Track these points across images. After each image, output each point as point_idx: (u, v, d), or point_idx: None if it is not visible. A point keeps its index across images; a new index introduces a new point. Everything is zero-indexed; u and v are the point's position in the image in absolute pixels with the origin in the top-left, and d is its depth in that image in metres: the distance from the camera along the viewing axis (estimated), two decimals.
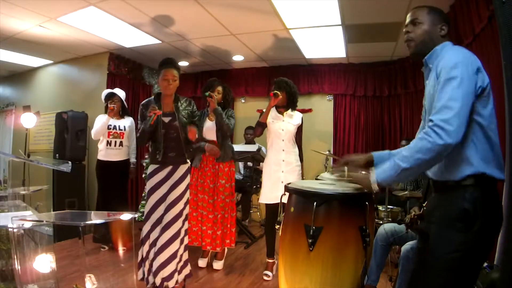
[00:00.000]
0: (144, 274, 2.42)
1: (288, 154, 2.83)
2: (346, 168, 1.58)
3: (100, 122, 3.43)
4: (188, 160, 2.54)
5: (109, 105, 3.45)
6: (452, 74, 1.14)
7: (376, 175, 1.29)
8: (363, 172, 1.48)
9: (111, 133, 3.50)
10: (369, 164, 1.51)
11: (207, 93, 2.91)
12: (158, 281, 2.30)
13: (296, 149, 2.90)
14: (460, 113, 1.10)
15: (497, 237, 1.90)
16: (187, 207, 2.54)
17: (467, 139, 1.17)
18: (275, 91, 2.78)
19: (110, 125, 3.50)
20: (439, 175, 1.29)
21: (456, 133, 1.10)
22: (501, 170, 1.20)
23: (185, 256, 2.52)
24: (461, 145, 1.17)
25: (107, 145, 3.51)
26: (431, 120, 1.14)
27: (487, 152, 1.18)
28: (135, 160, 3.72)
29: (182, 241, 2.47)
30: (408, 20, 1.38)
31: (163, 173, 2.46)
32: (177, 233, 2.41)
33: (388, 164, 1.26)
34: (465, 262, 1.18)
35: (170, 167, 2.46)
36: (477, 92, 1.16)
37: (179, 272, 2.44)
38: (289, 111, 2.87)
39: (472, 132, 1.18)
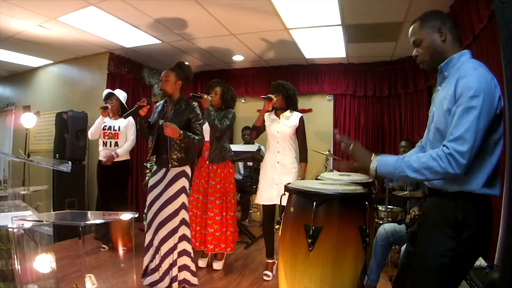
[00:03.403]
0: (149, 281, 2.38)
1: (283, 156, 2.82)
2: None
3: (95, 122, 3.46)
4: (178, 163, 2.45)
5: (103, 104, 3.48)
6: (474, 103, 1.13)
7: (377, 164, 1.27)
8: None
9: (106, 134, 3.53)
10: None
11: (191, 94, 2.97)
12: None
13: (293, 151, 2.87)
14: (474, 147, 1.13)
15: (497, 237, 1.91)
16: (184, 212, 2.49)
17: (473, 162, 1.18)
18: (268, 95, 2.81)
19: (106, 125, 3.52)
20: (435, 185, 1.30)
21: (466, 167, 1.14)
22: (497, 188, 1.23)
23: (182, 261, 2.46)
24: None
25: (103, 146, 3.55)
26: (447, 147, 1.15)
27: (489, 173, 1.20)
28: (119, 151, 3.49)
29: (175, 246, 2.42)
30: (411, 42, 1.38)
31: (159, 175, 2.51)
32: (169, 234, 2.39)
33: (394, 162, 1.25)
34: (450, 269, 1.20)
35: (164, 169, 2.49)
36: (494, 117, 1.17)
37: (173, 277, 2.39)
38: (286, 112, 2.86)
39: (482, 154, 1.18)
